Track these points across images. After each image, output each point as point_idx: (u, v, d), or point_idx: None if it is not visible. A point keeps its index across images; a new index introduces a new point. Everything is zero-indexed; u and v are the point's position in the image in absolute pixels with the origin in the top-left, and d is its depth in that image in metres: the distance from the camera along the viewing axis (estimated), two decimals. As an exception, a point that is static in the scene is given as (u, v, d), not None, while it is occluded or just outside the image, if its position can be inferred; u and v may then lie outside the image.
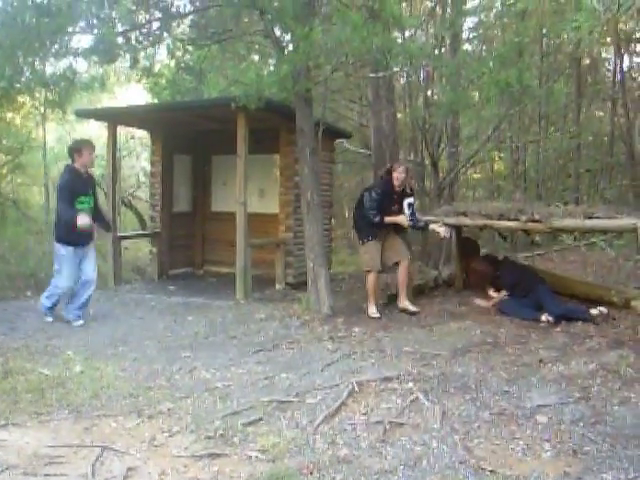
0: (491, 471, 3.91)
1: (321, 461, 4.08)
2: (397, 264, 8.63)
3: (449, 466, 4.01)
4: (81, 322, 7.96)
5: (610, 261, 11.93)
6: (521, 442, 4.38)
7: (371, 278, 8.47)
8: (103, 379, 5.75)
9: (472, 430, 4.59)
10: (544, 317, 7.83)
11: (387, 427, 4.63)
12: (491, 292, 8.79)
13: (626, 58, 17.79)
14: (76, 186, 7.79)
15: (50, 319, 8.09)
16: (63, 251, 7.80)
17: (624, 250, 12.13)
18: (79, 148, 7.94)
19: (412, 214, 8.50)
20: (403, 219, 8.45)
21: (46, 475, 3.90)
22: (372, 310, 8.39)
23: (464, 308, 8.73)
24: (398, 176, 8.36)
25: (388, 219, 8.37)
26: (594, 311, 7.75)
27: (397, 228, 8.63)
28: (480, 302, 8.80)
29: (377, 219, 8.29)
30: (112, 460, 4.12)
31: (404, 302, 8.58)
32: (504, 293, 8.53)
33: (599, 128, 19.35)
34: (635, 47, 18.22)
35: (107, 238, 10.64)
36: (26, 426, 4.69)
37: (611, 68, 18.57)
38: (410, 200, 8.53)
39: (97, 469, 3.98)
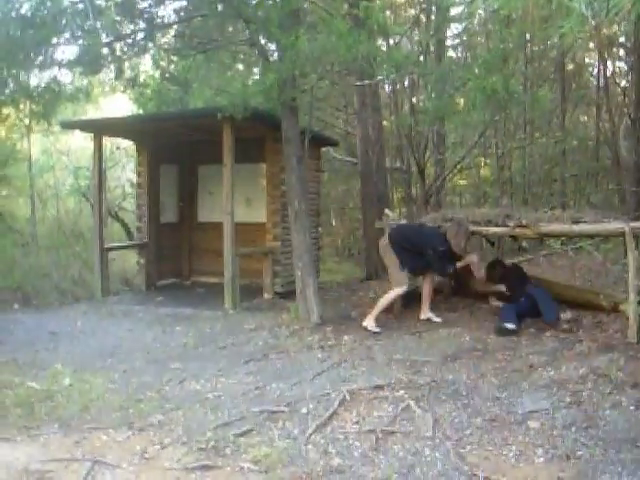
0: (485, 478, 3.91)
1: (314, 471, 4.06)
2: (423, 277, 8.71)
3: (442, 473, 4.00)
4: None
5: (598, 265, 11.96)
6: (514, 448, 4.38)
7: (396, 295, 8.31)
8: (92, 392, 5.72)
9: (464, 437, 4.58)
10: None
11: (379, 435, 4.62)
12: (493, 302, 8.79)
13: (609, 63, 17.88)
14: None
15: None
16: None
17: (611, 254, 12.17)
18: None
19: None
20: (473, 257, 8.50)
21: (37, 490, 3.87)
22: (372, 324, 8.09)
23: (453, 314, 8.73)
24: (457, 243, 8.15)
25: (460, 265, 8.35)
26: (562, 315, 7.79)
27: None
28: (494, 302, 8.87)
29: (451, 270, 8.35)
30: (103, 474, 4.09)
31: (427, 313, 8.57)
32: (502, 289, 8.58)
33: (584, 133, 19.42)
34: (618, 52, 18.31)
35: (94, 250, 10.59)
36: (15, 441, 4.66)
37: (595, 73, 18.66)
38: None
39: (88, 483, 3.95)
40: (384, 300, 8.26)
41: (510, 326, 7.60)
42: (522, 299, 8.14)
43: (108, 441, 4.65)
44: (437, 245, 8.09)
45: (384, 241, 8.49)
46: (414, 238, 8.32)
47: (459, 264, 8.32)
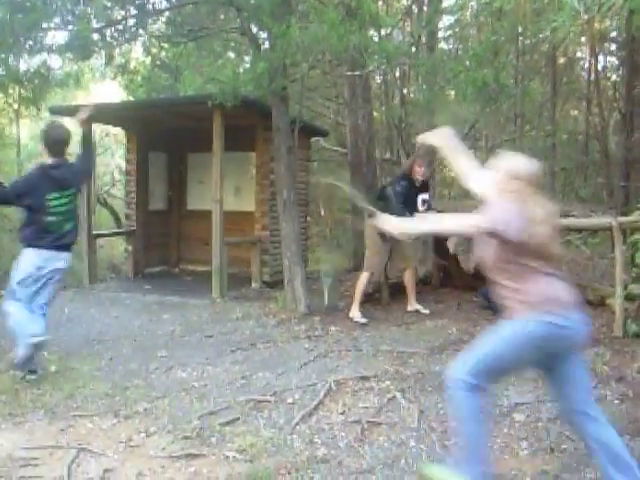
0: (469, 470, 3.91)
1: (299, 461, 4.07)
2: (403, 269, 8.70)
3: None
4: None
5: (585, 259, 12.00)
6: (498, 440, 4.40)
7: (365, 279, 8.33)
8: (79, 379, 5.71)
9: (450, 429, 4.59)
10: None
11: (365, 426, 4.64)
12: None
13: (600, 58, 17.91)
14: None
15: None
16: None
17: (599, 248, 12.22)
18: None
19: (427, 211, 8.35)
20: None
21: (21, 477, 3.86)
22: (356, 314, 8.12)
23: (440, 306, 8.76)
24: (419, 171, 8.30)
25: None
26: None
27: None
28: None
29: (406, 214, 8.16)
30: (88, 461, 4.08)
31: (415, 305, 8.61)
32: None
33: (574, 127, 19.47)
34: (610, 47, 18.33)
35: (82, 236, 10.55)
36: (0, 428, 4.64)
37: (586, 67, 18.69)
38: (425, 196, 8.45)
39: (73, 471, 3.94)
40: (358, 287, 8.32)
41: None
42: None
43: (93, 429, 4.64)
44: (396, 182, 8.37)
45: (369, 222, 8.50)
46: (380, 195, 8.52)
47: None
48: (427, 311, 8.44)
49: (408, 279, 8.64)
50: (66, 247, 5.86)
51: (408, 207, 8.02)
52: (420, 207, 8.37)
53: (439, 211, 8.57)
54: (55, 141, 5.96)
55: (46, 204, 5.63)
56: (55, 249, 5.73)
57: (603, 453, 3.49)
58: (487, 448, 3.71)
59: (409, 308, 8.57)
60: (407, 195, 8.19)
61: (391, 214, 8.00)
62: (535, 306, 3.48)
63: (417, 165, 8.34)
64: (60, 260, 5.78)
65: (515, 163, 3.65)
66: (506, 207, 3.48)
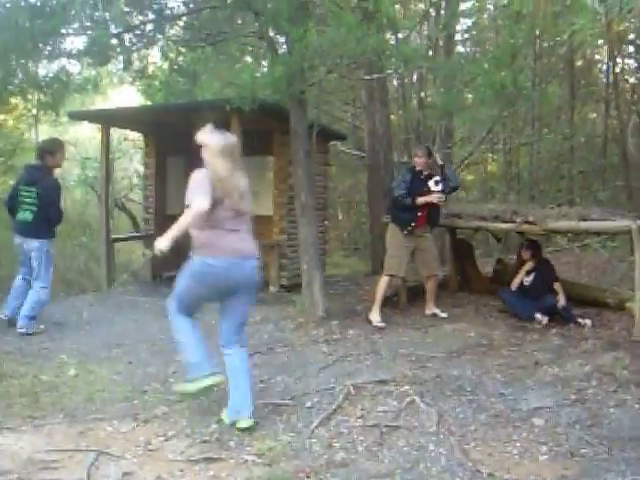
0: (489, 474, 3.91)
1: (318, 465, 4.06)
2: (427, 278, 8.67)
3: (446, 469, 4.00)
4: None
5: (604, 263, 11.93)
6: (518, 445, 4.38)
7: (385, 282, 8.30)
8: (97, 383, 5.73)
9: (469, 433, 4.58)
10: (539, 316, 7.83)
11: (383, 430, 4.62)
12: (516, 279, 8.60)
13: (619, 60, 17.83)
14: None
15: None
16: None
17: (617, 252, 12.15)
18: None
19: (443, 190, 8.30)
20: (434, 196, 8.22)
21: (41, 480, 3.88)
22: (376, 318, 8.08)
23: (458, 310, 8.73)
24: (418, 160, 8.31)
25: (420, 200, 8.17)
26: (581, 321, 7.73)
27: (432, 221, 8.54)
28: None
29: (408, 200, 8.14)
30: (107, 465, 4.09)
31: (433, 309, 8.56)
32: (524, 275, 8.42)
33: (592, 130, 19.37)
34: (628, 49, 18.25)
35: (100, 241, 10.60)
36: (20, 430, 4.66)
37: (604, 70, 18.60)
38: (437, 178, 8.35)
39: (92, 474, 3.95)
40: (379, 290, 8.29)
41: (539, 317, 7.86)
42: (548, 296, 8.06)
43: (112, 432, 4.66)
44: (401, 172, 8.55)
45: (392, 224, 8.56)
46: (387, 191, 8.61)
47: (420, 199, 8.19)
48: (445, 315, 8.40)
49: (430, 285, 8.61)
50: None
51: (411, 195, 8.14)
52: (434, 187, 8.30)
53: (454, 187, 8.65)
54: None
55: None
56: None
57: (231, 379, 4.83)
58: (204, 351, 4.93)
59: (427, 312, 8.54)
60: (409, 182, 8.20)
61: (396, 204, 8.08)
62: (198, 250, 4.69)
63: (415, 156, 8.45)
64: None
65: (206, 137, 4.72)
66: (195, 177, 4.60)
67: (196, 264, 4.75)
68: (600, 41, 17.20)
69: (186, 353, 4.94)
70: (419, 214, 8.24)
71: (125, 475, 3.94)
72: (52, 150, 7.75)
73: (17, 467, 4.01)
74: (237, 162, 4.75)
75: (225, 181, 4.58)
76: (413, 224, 8.23)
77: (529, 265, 8.37)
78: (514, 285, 8.35)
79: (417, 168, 8.30)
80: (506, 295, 8.40)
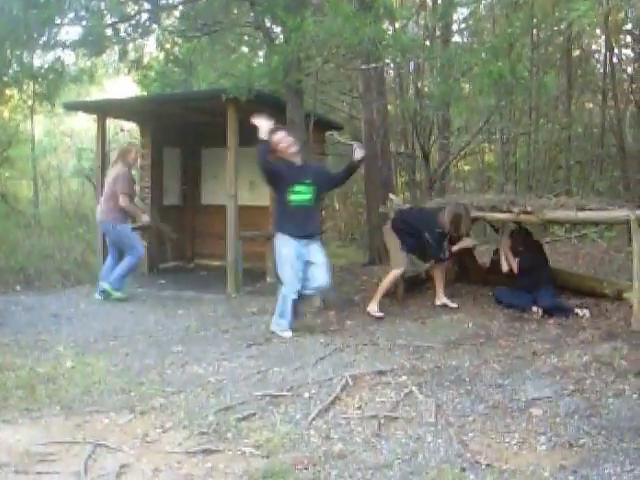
0: (487, 465, 3.89)
1: (316, 456, 4.04)
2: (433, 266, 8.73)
3: (445, 460, 3.98)
4: None
5: (601, 253, 11.93)
6: (516, 435, 4.36)
7: (394, 276, 8.29)
8: (94, 375, 5.70)
9: (467, 423, 4.57)
10: (535, 308, 7.82)
11: (381, 421, 4.60)
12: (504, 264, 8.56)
13: (616, 50, 17.78)
14: None
15: None
16: None
17: (615, 242, 12.14)
18: None
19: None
20: (469, 242, 8.54)
21: (38, 473, 3.85)
22: (375, 308, 8.09)
23: (456, 300, 8.70)
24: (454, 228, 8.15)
25: (455, 248, 8.34)
26: (579, 312, 7.71)
27: None
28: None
29: (445, 255, 8.30)
30: (105, 457, 4.07)
31: (443, 299, 8.54)
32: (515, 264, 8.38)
33: (589, 120, 19.34)
34: (625, 39, 18.22)
35: (96, 232, 10.57)
36: (17, 423, 4.64)
37: (601, 60, 18.56)
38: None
39: (89, 466, 3.93)
40: (385, 283, 8.25)
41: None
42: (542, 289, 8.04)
43: (109, 424, 4.64)
44: (433, 227, 8.08)
45: (387, 225, 8.51)
46: (413, 221, 8.33)
47: (454, 247, 8.30)
48: (455, 305, 8.37)
49: (437, 273, 8.61)
50: None
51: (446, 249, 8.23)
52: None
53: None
54: None
55: None
56: None
57: None
58: None
59: (437, 302, 8.49)
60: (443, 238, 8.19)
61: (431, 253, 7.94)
62: None
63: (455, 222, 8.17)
64: None
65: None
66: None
67: None
68: (597, 31, 17.18)
69: None
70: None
71: (122, 467, 3.92)
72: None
73: (14, 460, 3.99)
74: None
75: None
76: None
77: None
78: (504, 268, 8.36)
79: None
80: (501, 293, 8.37)
